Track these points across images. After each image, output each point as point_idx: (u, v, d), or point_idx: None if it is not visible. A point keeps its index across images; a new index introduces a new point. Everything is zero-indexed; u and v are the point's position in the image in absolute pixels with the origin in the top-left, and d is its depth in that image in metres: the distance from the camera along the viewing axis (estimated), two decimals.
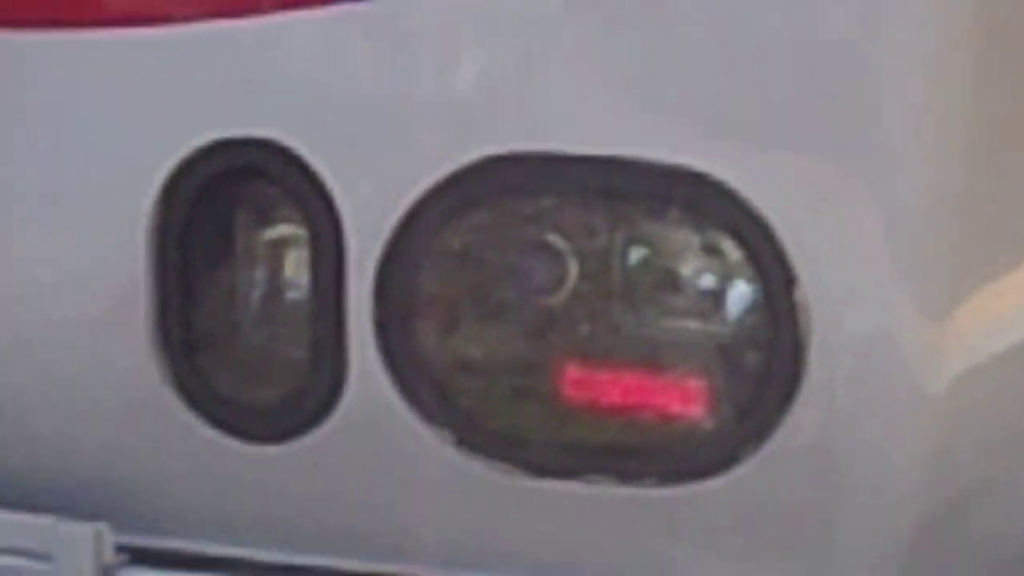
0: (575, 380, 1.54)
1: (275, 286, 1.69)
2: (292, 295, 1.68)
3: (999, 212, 1.60)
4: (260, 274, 1.67)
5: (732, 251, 1.48)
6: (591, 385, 1.54)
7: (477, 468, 1.56)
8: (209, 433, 1.65)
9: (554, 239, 1.53)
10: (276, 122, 1.53)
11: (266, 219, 1.66)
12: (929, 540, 1.59)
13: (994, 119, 1.55)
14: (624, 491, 1.53)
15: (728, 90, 1.44)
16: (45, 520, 1.62)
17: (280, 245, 1.67)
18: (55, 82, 1.58)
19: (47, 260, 1.65)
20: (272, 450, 1.62)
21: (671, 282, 1.56)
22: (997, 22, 1.48)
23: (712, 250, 1.51)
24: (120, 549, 1.63)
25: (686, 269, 1.54)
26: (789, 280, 1.43)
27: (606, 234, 1.53)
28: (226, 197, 1.64)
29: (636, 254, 1.55)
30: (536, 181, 1.51)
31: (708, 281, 1.56)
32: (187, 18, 1.51)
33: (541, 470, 1.54)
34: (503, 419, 1.58)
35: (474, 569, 1.57)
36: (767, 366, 1.47)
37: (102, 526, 1.59)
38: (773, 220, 1.42)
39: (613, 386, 1.55)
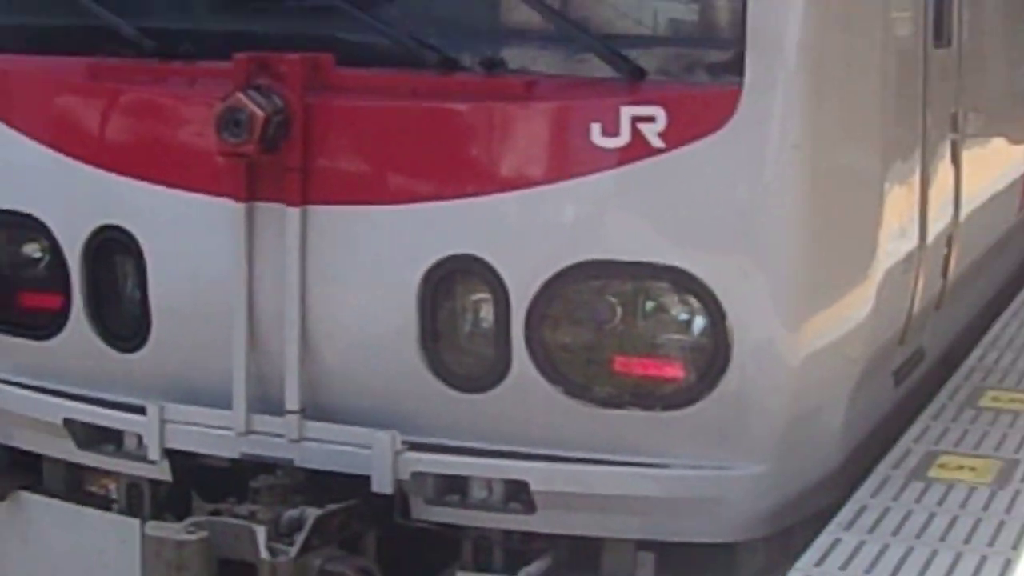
0: (621, 362, 3.53)
1: (477, 321, 3.74)
2: (484, 325, 3.71)
3: (836, 272, 3.56)
4: (470, 316, 3.69)
5: (694, 302, 3.53)
6: (629, 364, 3.53)
7: (575, 405, 3.60)
8: (445, 389, 3.69)
9: (610, 297, 3.51)
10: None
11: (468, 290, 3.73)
12: (790, 440, 3.55)
13: (830, 222, 3.51)
14: (643, 414, 3.55)
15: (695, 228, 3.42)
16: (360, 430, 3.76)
17: (479, 302, 3.71)
18: None
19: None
20: (478, 397, 3.66)
21: (666, 317, 3.56)
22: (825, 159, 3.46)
23: (685, 302, 3.55)
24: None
25: (673, 311, 3.55)
26: (722, 315, 3.46)
27: (638, 294, 3.54)
28: (451, 283, 3.69)
29: (650, 303, 3.58)
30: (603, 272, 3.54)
31: (684, 316, 3.58)
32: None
33: (604, 403, 3.56)
34: (587, 381, 3.59)
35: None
36: (712, 356, 3.48)
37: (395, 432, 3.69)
38: (714, 287, 3.45)
39: (639, 365, 3.57)
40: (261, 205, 3.87)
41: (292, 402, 3.89)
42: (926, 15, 4.70)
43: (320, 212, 3.81)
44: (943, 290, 5.17)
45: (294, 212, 3.78)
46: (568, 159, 3.77)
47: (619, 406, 3.71)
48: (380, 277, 3.82)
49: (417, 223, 3.74)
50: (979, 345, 6.07)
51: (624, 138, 3.59)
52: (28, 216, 4.34)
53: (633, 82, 3.71)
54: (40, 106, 4.40)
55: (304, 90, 3.80)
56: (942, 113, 4.90)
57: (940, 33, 4.83)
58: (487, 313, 3.76)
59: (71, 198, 4.24)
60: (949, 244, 5.14)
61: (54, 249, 4.32)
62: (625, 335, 3.66)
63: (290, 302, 3.85)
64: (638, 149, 3.58)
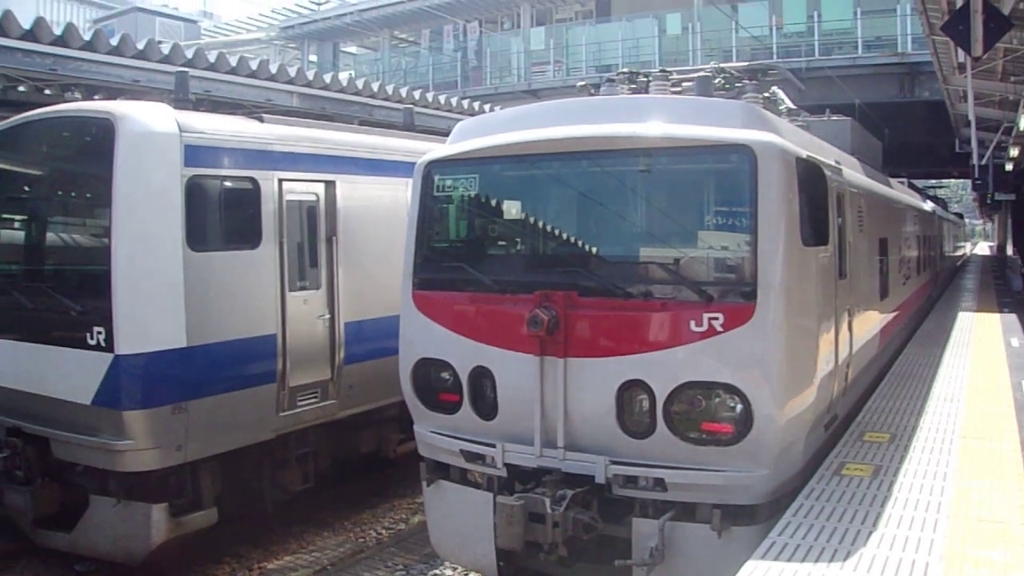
0: (705, 425, 8.00)
1: (641, 408, 8.23)
2: (644, 409, 8.22)
3: (799, 382, 8.13)
4: (637, 406, 8.25)
5: (736, 399, 7.81)
6: (709, 426, 7.98)
7: (685, 443, 8.10)
8: (627, 438, 8.26)
9: (699, 396, 8.07)
10: None
11: (637, 394, 8.25)
12: (779, 458, 7.96)
13: (796, 359, 8.04)
14: (715, 448, 7.94)
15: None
16: (590, 456, 8.45)
17: (642, 399, 8.18)
18: None
19: None
20: (642, 441, 8.21)
21: (723, 404, 7.92)
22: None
23: (732, 398, 7.84)
24: None
25: (728, 402, 7.88)
26: (748, 403, 7.70)
27: (712, 395, 8.01)
28: (630, 391, 8.25)
29: (717, 399, 7.95)
30: (697, 386, 8.07)
31: (731, 404, 7.87)
32: None
33: (698, 443, 8.05)
34: (690, 433, 8.10)
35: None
36: (745, 422, 7.76)
37: (605, 456, 8.32)
38: (745, 392, 7.73)
39: (712, 427, 7.97)
40: (548, 358, 8.27)
41: (560, 443, 8.30)
42: (840, 262, 9.28)
43: (572, 361, 8.18)
44: (846, 385, 9.86)
45: (560, 361, 8.23)
46: (681, 335, 7.70)
47: (704, 444, 7.88)
48: (598, 389, 8.09)
49: (615, 365, 8.02)
50: (862, 411, 10.91)
51: (704, 326, 7.68)
52: (444, 360, 9.02)
53: (708, 302, 7.66)
54: (453, 313, 8.98)
55: (565, 308, 8.20)
56: (842, 306, 9.48)
57: (842, 272, 9.50)
58: (646, 404, 7.99)
59: (464, 354, 8.83)
60: (848, 364, 9.81)
61: (455, 376, 8.93)
62: (708, 413, 7.87)
63: (559, 401, 8.23)
64: (711, 332, 7.64)
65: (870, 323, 11.89)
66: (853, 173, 11.77)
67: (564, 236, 8.83)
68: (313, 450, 12.74)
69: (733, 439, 7.74)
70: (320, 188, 12.33)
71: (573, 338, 8.22)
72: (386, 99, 19.10)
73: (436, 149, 9.70)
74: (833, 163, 10.11)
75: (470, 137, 9.41)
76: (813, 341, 8.35)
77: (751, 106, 8.61)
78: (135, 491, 10.60)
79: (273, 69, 16.95)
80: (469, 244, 9.47)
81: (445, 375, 9.08)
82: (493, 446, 8.73)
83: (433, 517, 9.67)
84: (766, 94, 11.56)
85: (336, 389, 12.51)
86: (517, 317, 8.30)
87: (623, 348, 8.05)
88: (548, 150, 8.65)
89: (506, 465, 8.68)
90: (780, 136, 8.14)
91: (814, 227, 8.39)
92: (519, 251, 9.12)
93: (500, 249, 9.28)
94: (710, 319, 7.68)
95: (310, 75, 17.89)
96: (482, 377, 8.79)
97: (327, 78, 18.30)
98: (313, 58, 58.25)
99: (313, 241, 12.26)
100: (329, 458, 13.29)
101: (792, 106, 12.64)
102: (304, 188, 12.08)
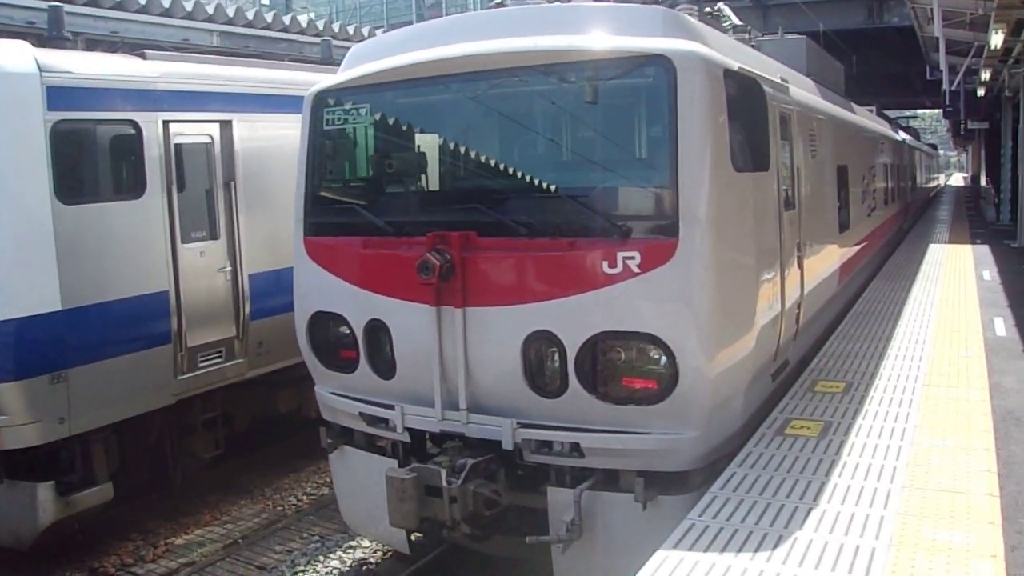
0: (626, 380, 6.93)
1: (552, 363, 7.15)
2: (555, 365, 7.12)
3: (733, 329, 7.05)
4: (548, 361, 7.20)
5: (660, 351, 6.77)
6: (630, 382, 6.92)
7: (602, 403, 6.99)
8: (537, 397, 7.20)
9: (619, 349, 6.94)
10: None
11: (546, 347, 7.15)
12: (712, 417, 6.94)
13: (728, 303, 7.00)
14: (637, 407, 6.90)
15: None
16: (496, 418, 7.38)
17: (552, 353, 7.12)
18: None
19: None
20: (553, 400, 7.13)
21: (646, 358, 6.88)
22: None
23: (656, 350, 6.79)
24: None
25: (650, 354, 6.85)
26: (673, 356, 6.67)
27: (632, 347, 6.91)
28: (537, 344, 7.17)
29: (638, 351, 6.90)
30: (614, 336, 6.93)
31: (655, 356, 6.84)
32: None
33: (618, 402, 6.94)
34: (609, 391, 7.00)
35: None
36: (670, 377, 6.72)
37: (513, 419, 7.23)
38: (670, 343, 6.67)
39: (634, 382, 6.91)
40: (445, 308, 7.24)
41: (462, 404, 7.31)
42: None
43: (472, 311, 7.16)
44: (797, 329, 8.80)
45: (459, 311, 7.19)
46: (592, 279, 6.70)
47: (625, 403, 6.88)
48: (502, 342, 7.08)
49: (519, 315, 7.00)
50: (817, 356, 9.82)
51: (619, 267, 6.64)
52: (338, 314, 8.05)
53: (623, 239, 6.63)
54: (346, 260, 7.94)
55: (461, 250, 7.13)
56: (790, 240, 8.41)
57: (789, 203, 8.44)
58: (556, 359, 7.00)
59: (359, 306, 7.83)
60: (799, 304, 8.76)
61: (352, 331, 7.95)
62: (627, 367, 6.88)
63: (459, 356, 7.23)
64: (627, 273, 6.61)
65: (827, 259, 10.82)
66: (804, 93, 10.65)
67: (462, 169, 7.81)
68: (222, 413, 11.83)
69: (657, 396, 6.80)
70: (214, 129, 11.18)
71: (472, 285, 7.21)
72: (301, 33, 17.74)
73: (326, 78, 8.54)
74: (778, 80, 8.98)
75: (364, 62, 8.29)
76: (751, 280, 7.31)
77: (673, 12, 7.46)
78: (18, 470, 9.72)
79: (210, 10, 15.58)
80: (363, 183, 8.46)
81: (343, 330, 8.12)
82: (393, 408, 7.77)
83: (340, 487, 8.85)
84: (708, 9, 10.35)
85: (243, 347, 11.54)
86: (412, 263, 7.25)
87: (527, 295, 7.05)
88: (442, 71, 7.56)
89: (408, 430, 7.73)
90: (706, 46, 7.03)
91: (751, 150, 7.35)
92: (415, 189, 8.09)
93: (396, 187, 8.18)
94: (625, 258, 6.67)
95: (230, 11, 16.51)
96: (378, 331, 7.82)
97: (250, 15, 16.94)
98: (266, 1, 56.38)
99: (209, 187, 11.15)
100: (245, 420, 12.42)
101: (739, 23, 11.44)
102: (195, 130, 10.94)
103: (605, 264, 6.71)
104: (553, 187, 7.31)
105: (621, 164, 7.05)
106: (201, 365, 10.98)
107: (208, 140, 11.11)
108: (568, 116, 7.23)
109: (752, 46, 10.20)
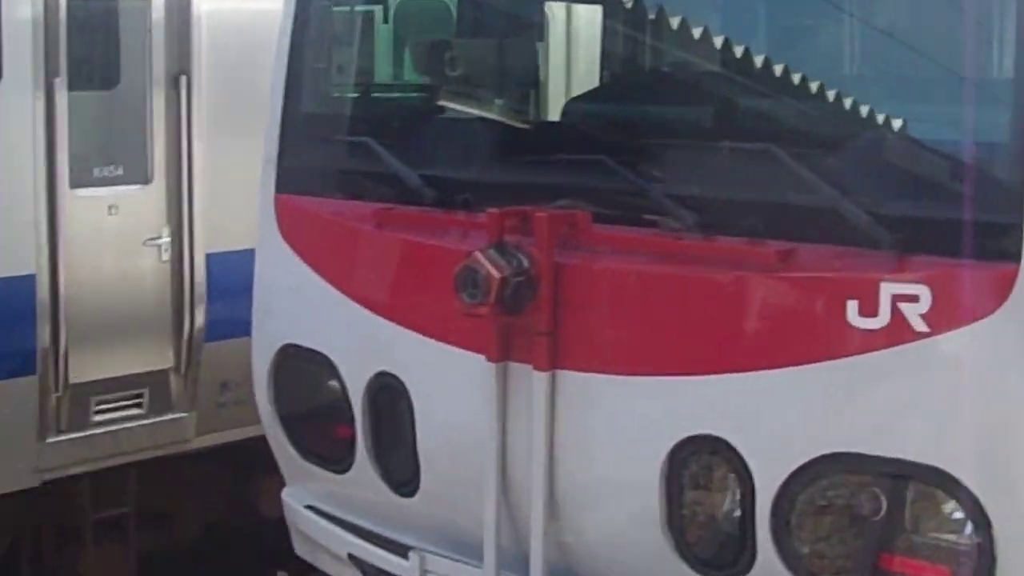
0: (885, 559, 3.34)
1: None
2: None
3: None
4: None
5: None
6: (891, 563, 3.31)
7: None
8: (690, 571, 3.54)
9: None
10: None
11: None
12: None
13: None
14: None
15: None
16: None
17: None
18: None
19: None
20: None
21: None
22: None
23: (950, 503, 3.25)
24: None
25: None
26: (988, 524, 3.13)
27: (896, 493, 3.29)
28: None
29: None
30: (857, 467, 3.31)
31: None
32: None
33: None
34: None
35: None
36: (979, 555, 3.18)
37: None
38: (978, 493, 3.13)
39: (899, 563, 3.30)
40: (514, 366, 3.83)
41: (537, 568, 3.83)
42: None
43: (567, 378, 3.74)
44: None
45: (542, 376, 3.69)
46: (821, 338, 3.47)
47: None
48: (627, 452, 3.68)
49: (666, 397, 3.64)
50: None
51: (884, 316, 3.28)
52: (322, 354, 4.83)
53: (899, 254, 3.38)
54: (340, 246, 4.69)
55: (556, 250, 3.71)
56: None
57: None
58: (735, 496, 3.60)
59: (357, 341, 4.59)
60: None
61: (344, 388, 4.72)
62: (889, 533, 3.36)
63: (537, 468, 3.77)
64: (899, 331, 3.26)
65: None
66: None
67: (612, 76, 5.15)
68: (138, 510, 7.31)
69: None
70: None
71: (572, 323, 3.81)
72: None
73: None
74: None
75: None
76: None
77: None
78: None
79: None
80: (384, 100, 5.70)
81: (331, 384, 4.75)
82: (407, 557, 4.40)
83: None
84: None
85: (188, 388, 7.16)
86: (448, 270, 3.94)
87: (685, 358, 3.69)
88: None
89: None
90: None
91: None
92: (482, 119, 5.05)
93: (462, 105, 5.13)
94: (896, 298, 3.27)
95: None
96: (393, 395, 4.45)
97: None
98: None
99: (138, 83, 6.99)
100: (192, 526, 7.92)
101: None
102: None
103: (852, 309, 3.31)
104: (765, 133, 3.87)
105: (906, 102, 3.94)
106: (98, 418, 6.82)
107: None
108: None
109: None
